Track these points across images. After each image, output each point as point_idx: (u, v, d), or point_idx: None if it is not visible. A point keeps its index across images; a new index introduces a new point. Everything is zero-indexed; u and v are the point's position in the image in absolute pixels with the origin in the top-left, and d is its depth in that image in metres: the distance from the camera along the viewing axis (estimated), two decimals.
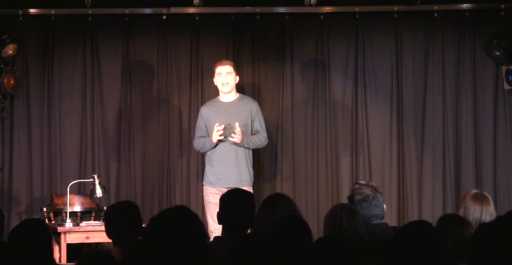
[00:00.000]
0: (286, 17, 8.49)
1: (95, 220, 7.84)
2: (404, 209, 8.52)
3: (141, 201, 8.22)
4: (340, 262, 3.30)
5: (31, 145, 8.35)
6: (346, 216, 4.35)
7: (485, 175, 8.55)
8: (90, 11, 8.26)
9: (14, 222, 7.89)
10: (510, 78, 8.33)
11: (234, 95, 7.79)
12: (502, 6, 8.37)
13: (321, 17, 8.49)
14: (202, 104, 8.10)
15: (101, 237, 7.02)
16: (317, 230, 7.49)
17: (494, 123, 8.56)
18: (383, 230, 4.71)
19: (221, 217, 4.45)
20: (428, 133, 8.56)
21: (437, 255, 3.56)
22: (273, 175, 8.52)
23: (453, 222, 4.38)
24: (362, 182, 4.98)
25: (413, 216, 8.40)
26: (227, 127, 7.57)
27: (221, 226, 4.48)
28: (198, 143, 7.76)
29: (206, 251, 3.10)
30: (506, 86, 8.42)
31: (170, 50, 8.52)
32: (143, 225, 4.53)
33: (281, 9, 8.49)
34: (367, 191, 4.83)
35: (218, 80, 7.72)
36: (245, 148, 7.63)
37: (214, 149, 7.64)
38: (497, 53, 8.31)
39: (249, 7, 8.41)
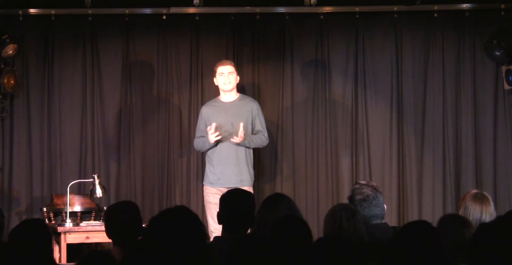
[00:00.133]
0: (286, 17, 8.49)
1: (95, 220, 7.84)
2: (404, 209, 8.52)
3: (141, 201, 8.22)
4: (340, 262, 3.30)
5: (31, 145, 8.35)
6: (346, 216, 4.35)
7: (485, 175, 8.55)
8: (90, 11, 8.26)
9: (14, 222, 7.89)
10: (510, 78, 8.33)
11: (234, 95, 7.78)
12: (502, 6, 8.37)
13: (321, 17, 8.49)
14: (202, 104, 8.10)
15: (101, 237, 7.02)
16: (317, 230, 7.49)
17: (494, 123, 8.56)
18: (383, 230, 4.71)
19: (221, 217, 4.45)
20: (428, 133, 8.56)
21: (437, 255, 3.56)
22: (273, 175, 8.51)
23: (454, 222, 4.38)
24: (363, 182, 4.98)
25: (413, 216, 8.40)
26: (228, 127, 7.57)
27: (221, 226, 4.48)
28: (197, 143, 7.76)
29: (206, 251, 3.10)
30: (506, 86, 8.42)
31: (170, 50, 8.52)
32: (143, 225, 4.53)
33: (281, 9, 8.49)
34: (368, 191, 4.83)
35: (219, 80, 7.71)
36: (246, 147, 7.63)
37: (214, 149, 7.64)
38: (497, 53, 8.31)
39: (249, 7, 8.41)
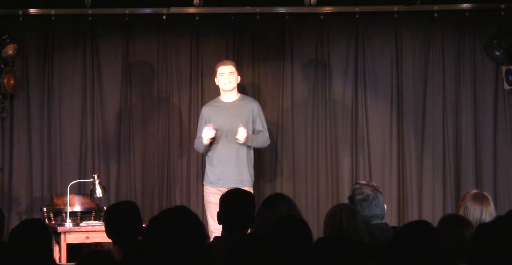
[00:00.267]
0: (286, 17, 8.49)
1: (95, 220, 7.84)
2: (404, 209, 8.52)
3: (141, 201, 8.22)
4: (340, 262, 3.30)
5: (31, 145, 8.35)
6: (346, 216, 4.35)
7: (485, 175, 8.55)
8: (90, 11, 8.26)
9: (14, 222, 7.89)
10: (510, 78, 8.33)
11: (235, 95, 7.78)
12: (502, 6, 8.37)
13: (321, 17, 8.49)
14: (202, 104, 8.10)
15: (101, 237, 7.02)
16: (317, 230, 7.49)
17: (494, 123, 8.56)
18: (383, 230, 4.71)
19: (221, 217, 4.45)
20: (428, 133, 8.56)
21: (437, 255, 3.56)
22: (273, 175, 8.51)
23: (454, 222, 4.38)
24: (363, 182, 4.99)
25: (413, 216, 8.40)
26: (228, 127, 7.57)
27: (221, 226, 4.48)
28: (196, 143, 7.77)
29: (206, 251, 3.10)
30: (506, 86, 8.42)
31: (170, 50, 8.52)
32: (143, 225, 4.53)
33: (281, 9, 8.49)
34: (368, 191, 4.83)
35: (220, 80, 7.70)
36: (248, 147, 7.62)
37: (215, 149, 7.63)
38: (497, 53, 8.31)
39: (249, 7, 8.41)
